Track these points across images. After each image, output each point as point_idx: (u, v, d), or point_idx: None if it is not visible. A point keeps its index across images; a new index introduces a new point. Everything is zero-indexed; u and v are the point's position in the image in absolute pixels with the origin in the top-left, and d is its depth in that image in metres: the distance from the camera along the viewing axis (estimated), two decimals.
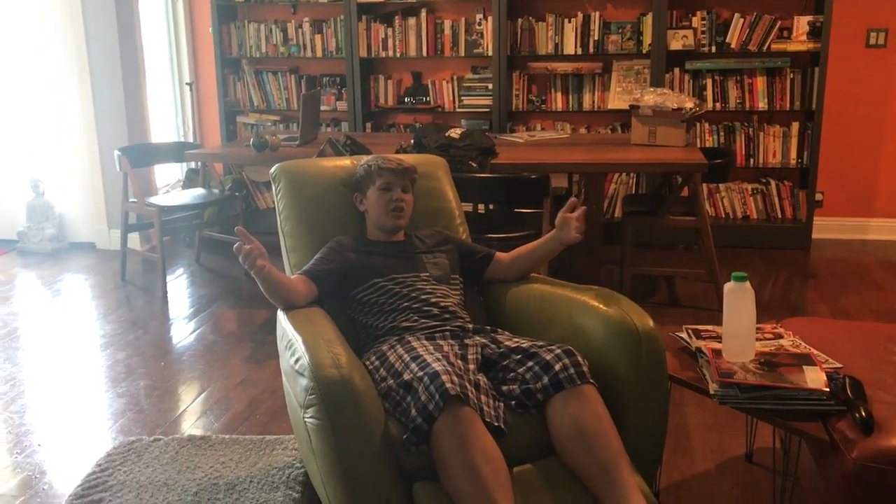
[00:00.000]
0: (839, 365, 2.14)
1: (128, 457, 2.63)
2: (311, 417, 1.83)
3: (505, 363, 2.14)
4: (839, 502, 1.92)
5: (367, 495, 1.83)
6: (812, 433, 1.93)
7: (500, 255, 2.59)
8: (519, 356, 2.12)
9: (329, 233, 2.54)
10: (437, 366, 1.95)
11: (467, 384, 1.96)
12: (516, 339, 2.22)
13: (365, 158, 2.62)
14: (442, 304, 2.34)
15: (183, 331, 4.01)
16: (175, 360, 3.65)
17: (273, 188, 2.67)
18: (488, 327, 2.35)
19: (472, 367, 2.11)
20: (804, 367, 2.08)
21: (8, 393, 3.33)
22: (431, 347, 2.12)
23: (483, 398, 1.99)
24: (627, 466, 1.94)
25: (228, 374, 3.47)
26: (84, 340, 3.90)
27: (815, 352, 2.20)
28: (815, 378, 2.03)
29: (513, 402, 2.05)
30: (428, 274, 2.42)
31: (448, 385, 1.88)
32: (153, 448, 2.69)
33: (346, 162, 2.74)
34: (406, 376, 1.99)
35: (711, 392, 2.07)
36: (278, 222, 2.62)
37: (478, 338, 2.26)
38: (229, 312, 4.27)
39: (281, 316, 2.23)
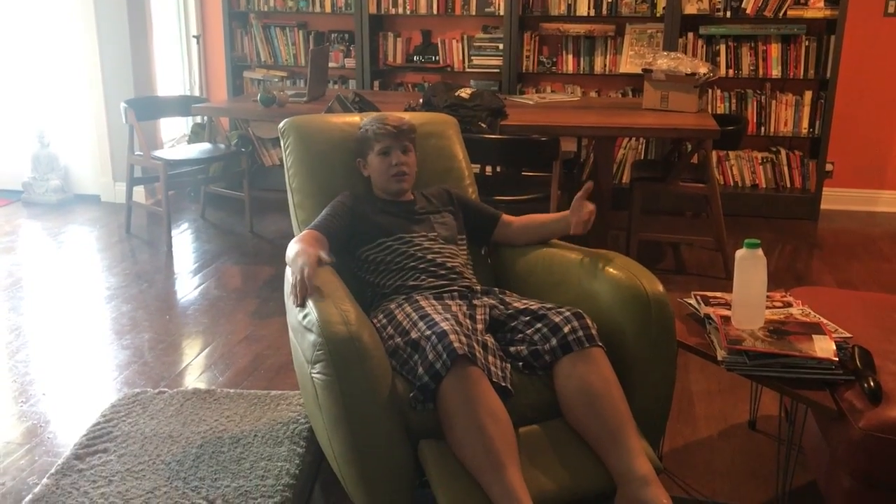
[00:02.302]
0: (849, 335, 2.13)
1: (132, 408, 2.64)
2: (318, 373, 1.83)
3: (513, 324, 2.13)
4: (844, 471, 1.92)
5: (373, 451, 1.84)
6: (819, 402, 1.93)
7: (507, 217, 2.56)
8: (527, 318, 2.11)
9: (337, 189, 2.51)
10: (445, 325, 1.94)
11: (475, 344, 1.95)
12: (525, 301, 2.21)
13: (365, 120, 2.56)
14: (449, 263, 2.32)
15: (187, 285, 4.01)
16: (180, 314, 3.65)
17: (282, 143, 2.63)
18: (496, 289, 2.34)
19: (479, 327, 2.11)
20: (813, 335, 2.07)
21: (13, 342, 3.34)
22: (440, 306, 2.11)
23: (490, 358, 1.99)
24: (634, 430, 1.94)
25: (233, 329, 3.47)
26: (89, 292, 3.90)
27: (825, 321, 2.18)
28: (824, 347, 2.02)
29: (520, 364, 2.05)
30: (435, 234, 2.39)
31: (456, 344, 1.87)
32: (158, 400, 2.69)
33: (355, 118, 2.71)
34: (414, 334, 1.99)
35: (719, 359, 2.07)
36: (286, 178, 2.60)
37: (486, 298, 2.25)
38: (234, 268, 4.27)
39: (288, 271, 2.22)
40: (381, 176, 2.46)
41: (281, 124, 2.65)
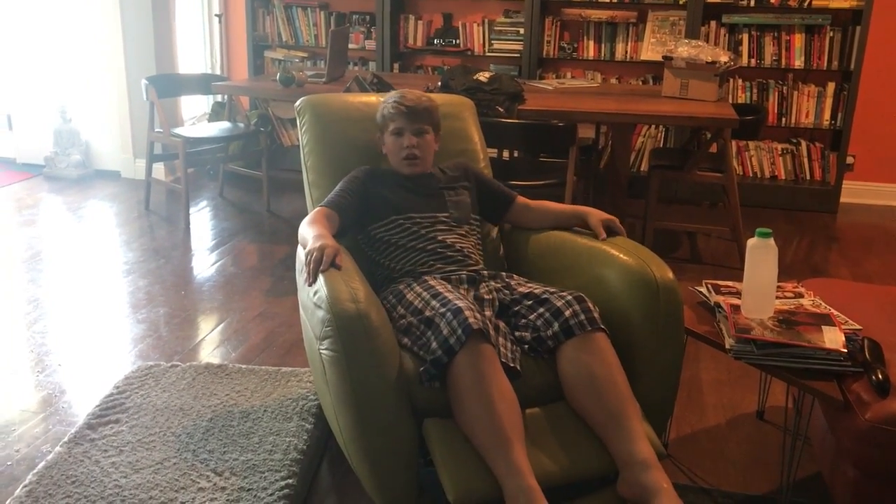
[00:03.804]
0: (859, 327, 2.12)
1: (145, 381, 2.67)
2: (326, 349, 1.85)
3: (517, 308, 2.14)
4: (849, 463, 1.92)
5: (378, 427, 1.86)
6: (826, 392, 1.93)
7: (522, 200, 2.55)
8: (530, 302, 2.12)
9: (353, 168, 2.51)
10: (459, 302, 1.96)
11: (489, 324, 1.97)
12: (529, 285, 2.21)
13: (386, 95, 2.53)
14: (458, 245, 2.33)
15: (204, 262, 4.05)
16: (195, 290, 3.69)
17: (298, 121, 2.65)
18: (503, 273, 2.34)
19: (488, 312, 2.11)
20: (823, 326, 2.07)
21: (31, 313, 3.39)
22: (449, 286, 2.12)
23: (501, 340, 2.00)
24: (636, 413, 1.95)
25: (247, 306, 3.50)
26: (106, 266, 3.95)
27: (835, 312, 2.17)
28: (833, 338, 2.01)
29: (525, 347, 2.06)
30: (447, 214, 2.39)
31: (471, 320, 1.89)
32: (170, 374, 2.73)
33: (371, 98, 2.72)
34: (427, 312, 2.00)
35: (727, 347, 2.07)
36: (301, 156, 2.61)
37: (492, 283, 2.25)
38: (250, 246, 4.30)
39: (299, 249, 2.24)
40: (392, 156, 2.46)
41: (297, 103, 2.66)
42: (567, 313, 2.02)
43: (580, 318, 2.01)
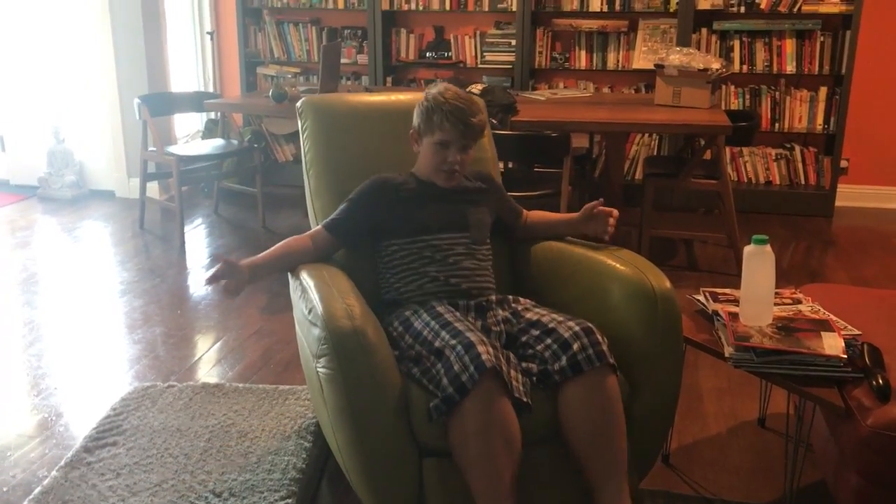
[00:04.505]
0: (858, 332, 2.11)
1: (142, 402, 2.65)
2: (323, 367, 1.83)
3: (524, 339, 2.06)
4: (852, 469, 1.91)
5: (377, 445, 1.84)
6: (827, 399, 1.91)
7: (525, 213, 2.47)
8: (538, 332, 2.03)
9: (359, 176, 2.34)
10: (471, 335, 1.89)
11: (501, 358, 1.90)
12: (536, 310, 2.13)
13: (434, 89, 2.21)
14: (473, 271, 2.20)
15: (200, 280, 4.03)
16: (191, 309, 3.67)
17: (299, 124, 2.49)
18: (510, 297, 2.23)
19: (497, 343, 2.02)
20: (822, 332, 2.06)
21: (26, 336, 3.37)
22: (458, 314, 2.05)
23: (512, 373, 1.91)
24: (625, 471, 1.92)
25: (243, 323, 3.48)
26: (102, 287, 3.93)
27: (834, 318, 2.17)
28: (832, 344, 2.00)
29: (533, 379, 1.97)
30: (467, 235, 2.23)
31: (484, 356, 1.82)
32: (167, 394, 2.71)
33: (378, 98, 2.59)
34: (437, 343, 1.93)
35: (727, 355, 2.06)
36: (303, 162, 2.46)
37: (499, 311, 2.16)
38: None
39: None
40: (429, 166, 2.23)
41: (298, 104, 2.51)
42: (575, 347, 1.94)
43: (588, 353, 1.93)
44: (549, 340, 1.99)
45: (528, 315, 2.12)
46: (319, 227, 2.26)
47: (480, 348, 1.84)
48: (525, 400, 1.88)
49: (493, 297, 2.20)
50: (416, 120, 2.23)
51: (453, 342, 1.89)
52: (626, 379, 2.01)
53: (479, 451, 1.81)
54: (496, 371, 1.82)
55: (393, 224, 2.22)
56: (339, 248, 2.27)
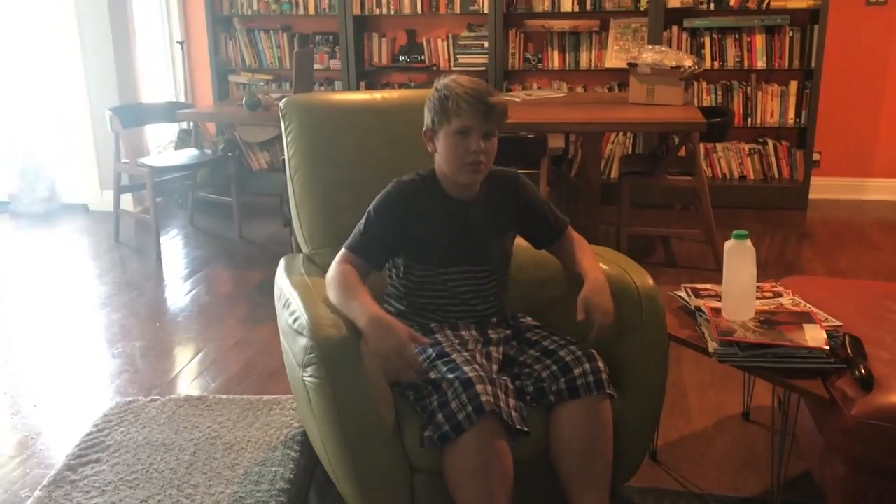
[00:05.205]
0: (839, 323, 2.13)
1: (125, 417, 2.62)
2: (310, 377, 1.82)
3: (522, 359, 2.02)
4: (837, 459, 1.93)
5: (367, 454, 1.83)
6: (812, 391, 1.93)
7: (570, 232, 2.20)
8: (537, 353, 2.00)
9: (348, 184, 2.24)
10: (469, 371, 1.82)
11: (499, 391, 1.83)
12: (537, 331, 2.09)
13: (443, 80, 1.99)
14: (481, 294, 2.10)
15: (178, 292, 3.99)
16: (170, 322, 3.64)
17: (282, 127, 2.37)
18: (509, 315, 2.17)
19: (494, 367, 1.99)
20: (804, 325, 2.07)
21: (3, 354, 3.31)
22: (456, 342, 2.00)
23: (511, 402, 1.86)
24: (606, 498, 1.93)
25: (224, 335, 3.45)
26: (78, 302, 3.88)
27: (815, 310, 2.19)
28: (815, 336, 2.02)
29: (527, 398, 1.95)
30: (487, 270, 2.09)
31: (483, 398, 1.77)
32: (150, 408, 2.68)
33: (368, 96, 2.48)
34: (433, 374, 1.88)
35: (711, 351, 2.07)
36: (287, 168, 2.34)
37: (500, 330, 2.10)
38: (224, 273, 4.25)
39: (278, 275, 2.21)
40: (450, 162, 1.98)
41: (282, 103, 2.38)
42: (576, 372, 1.91)
43: (588, 380, 1.90)
44: (548, 361, 1.96)
45: (529, 335, 2.08)
46: (347, 252, 2.00)
47: (479, 388, 1.78)
48: (519, 427, 1.83)
49: (495, 319, 2.14)
50: (427, 116, 2.00)
51: (451, 377, 1.82)
52: (612, 378, 2.00)
53: (476, 491, 1.79)
54: (494, 413, 1.78)
55: (408, 248, 2.06)
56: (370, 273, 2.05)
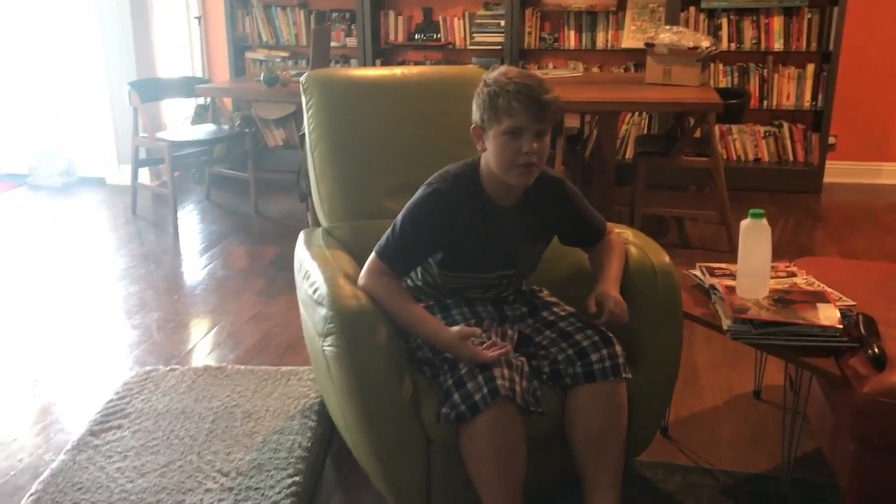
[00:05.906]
0: (852, 303, 2.15)
1: (145, 385, 2.67)
2: (329, 346, 1.85)
3: (538, 339, 2.03)
4: (848, 437, 1.95)
5: (384, 423, 1.86)
6: (825, 369, 1.95)
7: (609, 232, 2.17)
8: (554, 335, 2.00)
9: (369, 158, 2.24)
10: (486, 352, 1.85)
11: (514, 373, 1.84)
12: (555, 309, 2.08)
13: (493, 73, 1.88)
14: (504, 285, 2.10)
15: (194, 266, 4.04)
16: (187, 294, 3.68)
17: (303, 102, 2.37)
18: (525, 290, 2.16)
19: (509, 345, 1.97)
20: (818, 304, 2.09)
21: (23, 324, 3.37)
22: (472, 319, 2.01)
23: (525, 384, 1.87)
24: (619, 482, 1.96)
25: (240, 308, 3.50)
26: (97, 274, 3.93)
27: (829, 290, 2.20)
28: (828, 315, 2.04)
29: (543, 377, 1.97)
30: (513, 272, 2.07)
31: (499, 381, 1.79)
32: (170, 377, 2.72)
33: (389, 72, 2.49)
34: (449, 354, 1.90)
35: (725, 328, 2.09)
36: (307, 143, 2.35)
37: (517, 307, 2.10)
38: (240, 248, 4.29)
39: (298, 248, 2.24)
40: (500, 163, 1.87)
41: (302, 78, 2.39)
42: (593, 357, 1.92)
43: (605, 365, 1.92)
44: (564, 344, 1.98)
45: (545, 314, 2.08)
46: (384, 264, 1.94)
47: (496, 371, 1.80)
48: (534, 409, 1.86)
49: (512, 296, 2.13)
50: (476, 113, 1.88)
51: None
52: (627, 353, 2.02)
53: (490, 471, 1.83)
54: (509, 397, 1.80)
55: (450, 255, 2.00)
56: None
